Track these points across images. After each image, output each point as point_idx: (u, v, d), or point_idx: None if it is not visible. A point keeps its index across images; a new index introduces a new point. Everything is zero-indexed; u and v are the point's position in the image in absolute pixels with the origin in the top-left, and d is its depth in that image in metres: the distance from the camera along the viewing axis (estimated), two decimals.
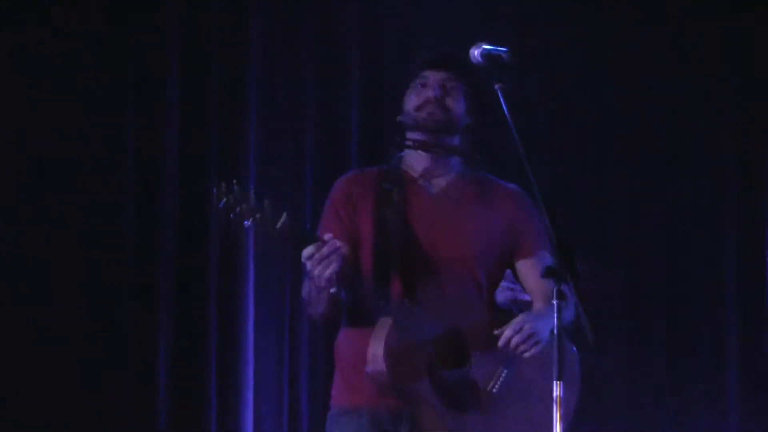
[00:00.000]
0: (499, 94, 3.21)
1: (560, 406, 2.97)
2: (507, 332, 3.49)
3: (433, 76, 3.68)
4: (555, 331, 3.02)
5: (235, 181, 3.37)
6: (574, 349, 3.60)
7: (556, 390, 2.97)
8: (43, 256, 4.97)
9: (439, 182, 3.72)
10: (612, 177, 5.55)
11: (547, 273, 3.09)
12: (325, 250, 3.36)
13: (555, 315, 3.03)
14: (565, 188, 5.40)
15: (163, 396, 5.05)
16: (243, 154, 5.22)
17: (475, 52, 3.27)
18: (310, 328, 5.21)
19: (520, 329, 3.49)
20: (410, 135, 3.70)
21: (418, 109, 3.66)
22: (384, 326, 3.47)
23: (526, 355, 3.49)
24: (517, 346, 3.48)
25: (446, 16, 5.33)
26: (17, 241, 4.96)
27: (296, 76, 5.35)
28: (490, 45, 3.27)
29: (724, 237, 5.56)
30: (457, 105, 3.68)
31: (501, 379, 3.52)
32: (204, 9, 5.22)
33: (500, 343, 3.49)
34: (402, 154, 3.76)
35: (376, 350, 3.45)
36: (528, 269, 3.68)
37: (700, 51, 5.62)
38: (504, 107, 3.19)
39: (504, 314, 3.59)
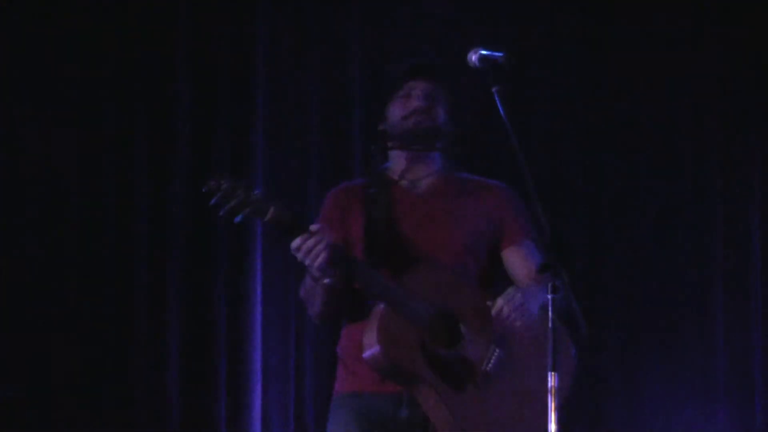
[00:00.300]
0: (496, 97, 3.30)
1: (555, 396, 3.05)
2: (499, 301, 3.54)
3: (418, 86, 3.76)
4: (550, 325, 3.09)
5: (224, 178, 3.44)
6: (572, 347, 3.66)
7: (551, 381, 3.05)
8: (55, 259, 5.01)
9: (423, 183, 3.80)
10: (607, 177, 5.57)
11: (543, 268, 3.17)
12: (311, 241, 3.44)
13: (550, 309, 3.10)
14: (560, 188, 5.42)
15: (175, 376, 5.09)
16: (249, 157, 5.27)
17: (473, 57, 3.39)
18: (314, 325, 5.24)
19: (512, 299, 3.54)
20: (395, 143, 3.78)
21: (405, 118, 3.74)
22: (377, 312, 3.54)
23: (517, 324, 3.54)
24: (509, 315, 3.53)
25: (447, 21, 5.36)
26: (30, 242, 5.01)
27: (301, 81, 5.39)
28: (487, 50, 3.38)
29: (713, 235, 5.56)
30: (441, 113, 3.77)
31: (494, 357, 3.57)
32: (210, 18, 5.27)
33: (493, 312, 3.54)
34: (388, 164, 3.84)
35: (370, 334, 3.53)
36: (514, 258, 3.75)
37: (697, 52, 5.64)
38: (501, 109, 3.29)
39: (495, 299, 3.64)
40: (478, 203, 3.78)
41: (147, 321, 5.10)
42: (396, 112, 3.77)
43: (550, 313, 3.11)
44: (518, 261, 3.74)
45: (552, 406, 3.05)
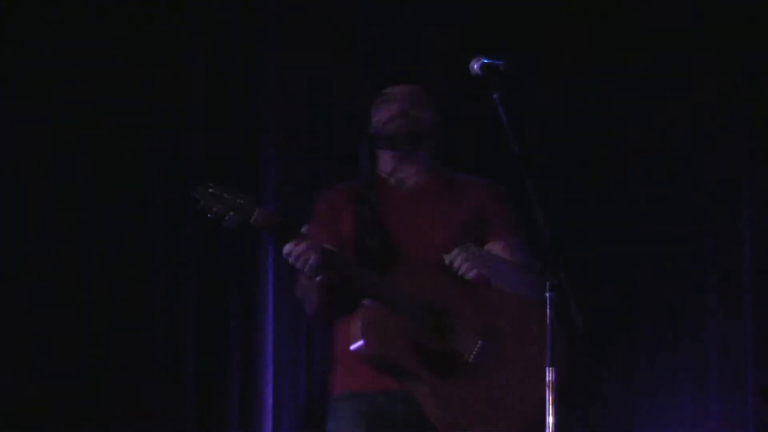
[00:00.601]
0: (498, 103, 3.37)
1: (552, 390, 3.12)
2: (457, 249, 3.63)
3: (398, 91, 3.85)
4: (549, 322, 3.16)
5: (210, 183, 3.54)
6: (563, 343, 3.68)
7: (549, 375, 3.12)
8: (71, 264, 5.06)
9: (411, 182, 3.88)
10: (606, 177, 5.61)
11: (543, 269, 3.22)
12: (301, 245, 3.54)
13: (549, 308, 3.17)
14: (558, 189, 5.44)
15: (189, 373, 5.15)
16: (258, 165, 5.34)
17: (475, 65, 3.44)
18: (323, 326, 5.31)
19: (473, 249, 3.64)
20: (380, 144, 3.88)
21: (387, 123, 3.83)
22: (362, 307, 3.62)
23: (471, 273, 3.60)
24: (464, 261, 3.61)
25: (449, 28, 5.43)
26: (48, 247, 5.06)
27: (307, 89, 5.45)
28: (488, 58, 3.44)
29: (707, 234, 5.60)
30: (423, 114, 3.85)
31: (477, 348, 3.61)
32: (217, 29, 5.34)
33: (447, 260, 3.62)
34: (378, 170, 3.93)
35: (354, 328, 3.60)
36: (498, 253, 3.78)
37: (697, 52, 5.67)
38: (502, 115, 3.36)
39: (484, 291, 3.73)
40: (465, 199, 3.85)
41: (161, 319, 5.16)
42: (378, 115, 3.86)
43: (548, 311, 3.17)
44: (502, 256, 3.78)
45: (550, 399, 3.11)
